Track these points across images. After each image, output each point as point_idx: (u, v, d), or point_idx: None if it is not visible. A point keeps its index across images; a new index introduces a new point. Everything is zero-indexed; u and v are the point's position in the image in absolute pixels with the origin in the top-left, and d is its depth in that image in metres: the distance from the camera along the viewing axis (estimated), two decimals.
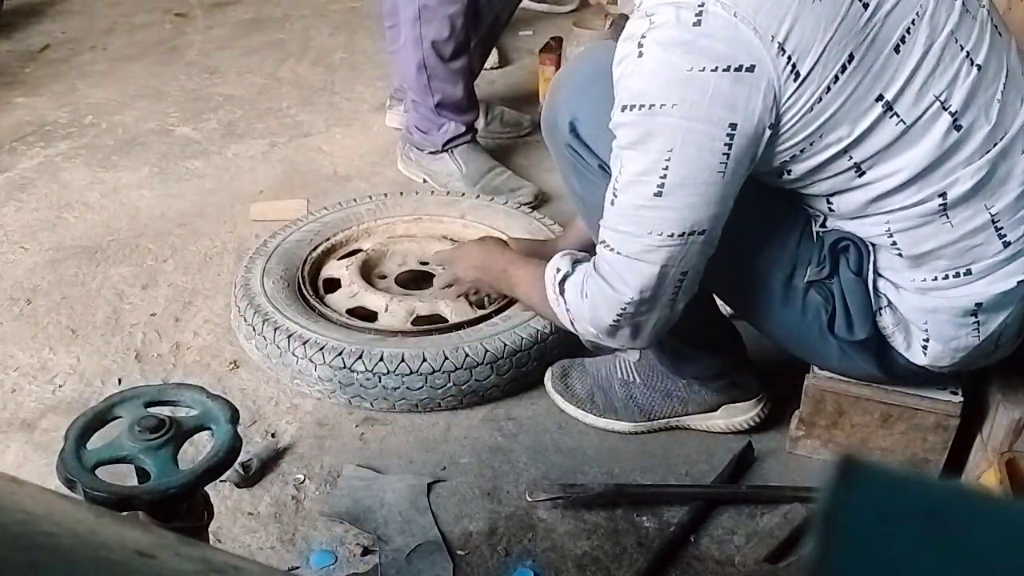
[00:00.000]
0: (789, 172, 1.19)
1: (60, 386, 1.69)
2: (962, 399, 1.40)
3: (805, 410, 1.48)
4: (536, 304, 1.46)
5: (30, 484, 0.42)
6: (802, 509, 1.40)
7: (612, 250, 1.22)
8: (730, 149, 1.11)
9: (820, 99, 1.10)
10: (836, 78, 1.09)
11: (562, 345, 1.68)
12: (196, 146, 2.60)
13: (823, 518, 0.28)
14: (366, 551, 1.35)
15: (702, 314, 1.48)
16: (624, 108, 1.13)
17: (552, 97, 1.40)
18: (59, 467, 0.96)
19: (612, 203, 1.19)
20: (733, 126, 1.10)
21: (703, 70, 1.07)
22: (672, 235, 1.16)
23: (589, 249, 1.38)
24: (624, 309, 1.24)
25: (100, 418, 1.02)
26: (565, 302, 1.33)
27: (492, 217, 2.00)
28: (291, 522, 1.40)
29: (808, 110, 1.10)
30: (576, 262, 1.35)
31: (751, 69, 1.07)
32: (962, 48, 1.13)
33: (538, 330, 1.65)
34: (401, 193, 2.11)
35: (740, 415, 1.55)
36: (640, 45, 1.10)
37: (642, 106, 1.11)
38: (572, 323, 1.34)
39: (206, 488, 1.01)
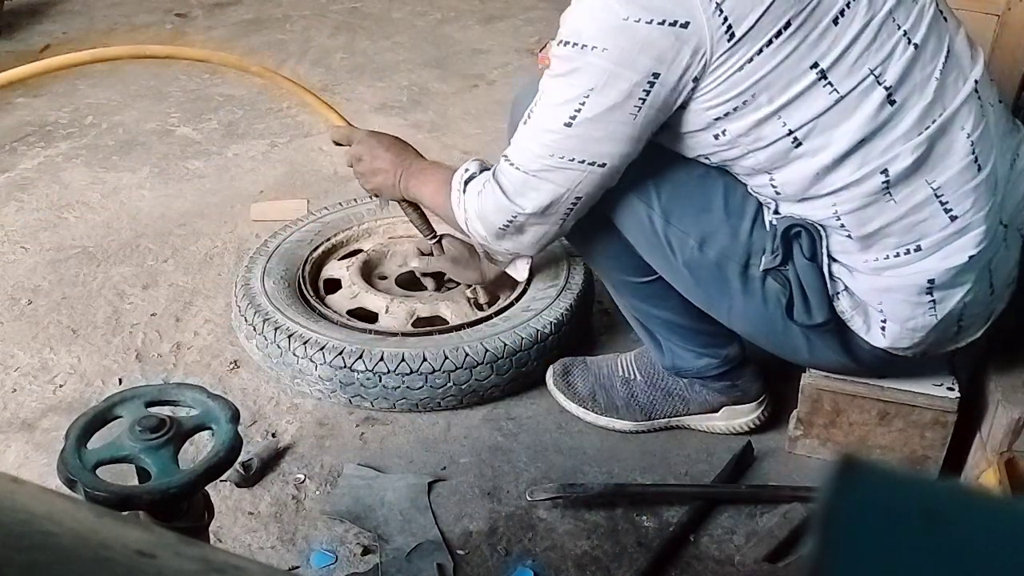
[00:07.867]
0: (725, 132, 1.22)
1: (61, 386, 1.69)
2: (959, 395, 1.40)
3: (803, 409, 1.48)
4: (439, 205, 1.50)
5: (30, 484, 0.42)
6: (802, 509, 1.40)
7: (513, 165, 1.30)
8: (647, 96, 1.17)
9: (751, 59, 1.14)
10: (770, 42, 1.13)
11: (562, 344, 1.68)
12: (196, 146, 2.60)
13: (823, 518, 0.28)
14: (366, 550, 1.35)
15: (702, 314, 1.48)
16: (560, 43, 1.20)
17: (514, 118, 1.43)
18: (60, 467, 0.96)
19: (525, 123, 1.27)
20: (656, 75, 1.16)
21: (639, 21, 1.13)
22: (573, 160, 1.24)
23: None
24: (515, 217, 1.33)
25: (101, 418, 1.03)
26: (464, 201, 1.39)
27: None
28: (291, 522, 1.40)
29: (738, 69, 1.15)
30: (484, 168, 1.41)
31: (685, 25, 1.13)
32: (899, 27, 1.17)
33: (538, 330, 1.65)
34: None
35: (741, 417, 1.56)
36: None
37: (575, 44, 1.18)
38: (467, 223, 1.40)
39: (206, 488, 1.01)
